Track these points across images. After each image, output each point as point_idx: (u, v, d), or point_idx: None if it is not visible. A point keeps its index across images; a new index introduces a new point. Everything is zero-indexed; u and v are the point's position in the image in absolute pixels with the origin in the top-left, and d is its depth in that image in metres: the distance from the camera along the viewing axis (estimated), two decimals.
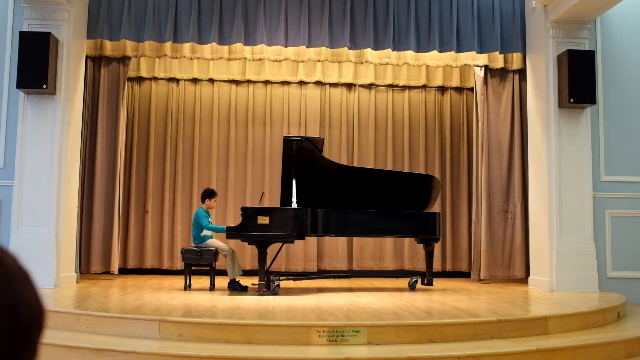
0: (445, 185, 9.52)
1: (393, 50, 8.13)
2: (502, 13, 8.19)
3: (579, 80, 7.33)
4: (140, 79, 9.44)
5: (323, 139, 7.65)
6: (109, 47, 8.39)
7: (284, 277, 7.43)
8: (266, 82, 9.58)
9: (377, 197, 7.42)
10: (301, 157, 7.07)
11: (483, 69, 8.70)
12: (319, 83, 9.63)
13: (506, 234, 8.51)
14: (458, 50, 8.16)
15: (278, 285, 6.71)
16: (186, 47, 8.44)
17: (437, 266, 8.98)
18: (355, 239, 9.33)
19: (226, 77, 9.50)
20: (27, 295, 0.82)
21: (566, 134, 7.55)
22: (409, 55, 8.71)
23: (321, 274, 8.93)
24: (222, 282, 7.28)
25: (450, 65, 8.96)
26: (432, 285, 7.43)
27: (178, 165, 9.36)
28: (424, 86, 9.73)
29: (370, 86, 9.72)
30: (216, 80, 9.53)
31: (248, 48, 8.47)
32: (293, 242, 7.20)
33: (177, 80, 9.50)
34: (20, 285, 0.82)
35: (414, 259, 9.37)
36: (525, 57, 8.35)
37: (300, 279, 7.86)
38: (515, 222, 8.48)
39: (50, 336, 4.43)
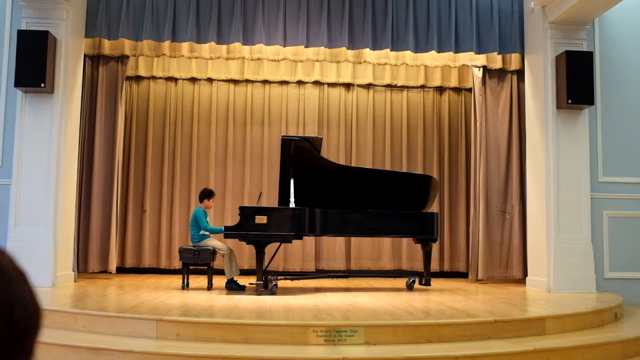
0: (443, 186, 9.53)
1: (391, 50, 8.13)
2: (500, 14, 8.20)
3: (577, 81, 7.34)
4: (138, 78, 9.43)
5: (321, 138, 7.64)
6: (107, 46, 8.39)
7: (282, 277, 7.43)
8: (265, 82, 9.58)
9: (375, 197, 7.42)
10: (299, 156, 7.07)
11: (481, 69, 8.71)
12: (317, 83, 9.64)
13: (504, 235, 8.52)
14: (456, 51, 8.16)
15: (276, 285, 6.71)
16: (184, 46, 8.44)
17: (434, 266, 8.98)
18: (353, 239, 9.33)
19: (224, 77, 9.50)
20: (23, 295, 0.82)
21: (564, 135, 7.56)
22: (408, 55, 8.72)
23: (319, 273, 8.93)
24: (219, 281, 7.28)
25: (449, 66, 8.98)
26: (429, 285, 7.44)
27: (176, 165, 9.35)
28: (422, 86, 9.74)
29: (368, 86, 9.72)
30: (214, 80, 9.53)
31: (246, 48, 8.47)
32: (291, 242, 7.19)
33: (175, 80, 9.50)
34: (16, 285, 0.81)
35: (411, 259, 9.38)
36: (523, 58, 8.36)
37: (298, 279, 7.86)
38: (513, 222, 8.48)
39: (47, 335, 4.43)
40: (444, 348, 4.36)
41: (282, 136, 7.39)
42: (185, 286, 7.03)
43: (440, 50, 8.10)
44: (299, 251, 9.25)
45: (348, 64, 9.37)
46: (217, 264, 7.35)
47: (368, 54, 8.71)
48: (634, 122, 7.79)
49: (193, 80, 9.52)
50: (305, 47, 8.08)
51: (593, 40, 7.81)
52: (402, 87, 9.74)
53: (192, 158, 9.39)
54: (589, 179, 7.56)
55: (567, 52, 7.40)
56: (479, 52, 8.21)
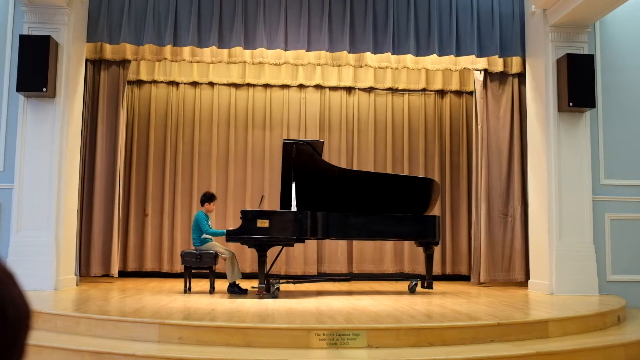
0: (445, 189, 9.53)
1: (393, 54, 8.14)
2: (501, 17, 8.20)
3: (578, 84, 7.34)
4: (140, 82, 9.45)
5: (323, 142, 7.65)
6: (109, 51, 8.40)
7: (284, 280, 7.42)
8: (266, 86, 9.60)
9: (377, 200, 7.43)
10: (301, 160, 7.08)
11: (482, 72, 8.71)
12: (318, 86, 9.64)
13: (506, 237, 8.51)
14: (457, 54, 8.17)
15: (278, 289, 6.70)
16: (186, 50, 8.46)
17: (437, 269, 8.98)
18: (355, 242, 9.32)
19: (226, 81, 9.51)
20: (13, 296, 0.83)
21: (565, 138, 7.56)
22: (409, 59, 8.73)
23: (321, 277, 8.92)
24: (221, 285, 7.28)
25: (450, 69, 8.99)
26: (432, 288, 7.43)
27: (178, 168, 9.36)
28: (424, 90, 9.74)
29: (369, 90, 9.73)
30: (216, 84, 9.54)
31: (248, 52, 8.49)
32: (293, 245, 7.19)
33: (176, 84, 9.51)
34: (6, 286, 0.83)
35: (413, 262, 9.37)
36: (524, 61, 8.37)
37: (300, 282, 7.85)
38: (515, 225, 8.48)
39: (49, 339, 4.44)
40: (446, 351, 4.35)
41: (284, 140, 7.40)
42: (187, 290, 7.03)
43: (441, 53, 8.11)
44: (301, 255, 9.25)
45: (349, 67, 9.38)
46: (219, 267, 7.35)
47: (369, 57, 8.72)
48: (635, 124, 7.79)
49: (194, 84, 9.54)
50: (307, 50, 8.09)
51: (594, 43, 7.82)
52: (404, 91, 9.75)
53: (193, 162, 9.40)
54: (591, 181, 7.56)
55: (568, 55, 7.41)
56: (480, 55, 8.21)
